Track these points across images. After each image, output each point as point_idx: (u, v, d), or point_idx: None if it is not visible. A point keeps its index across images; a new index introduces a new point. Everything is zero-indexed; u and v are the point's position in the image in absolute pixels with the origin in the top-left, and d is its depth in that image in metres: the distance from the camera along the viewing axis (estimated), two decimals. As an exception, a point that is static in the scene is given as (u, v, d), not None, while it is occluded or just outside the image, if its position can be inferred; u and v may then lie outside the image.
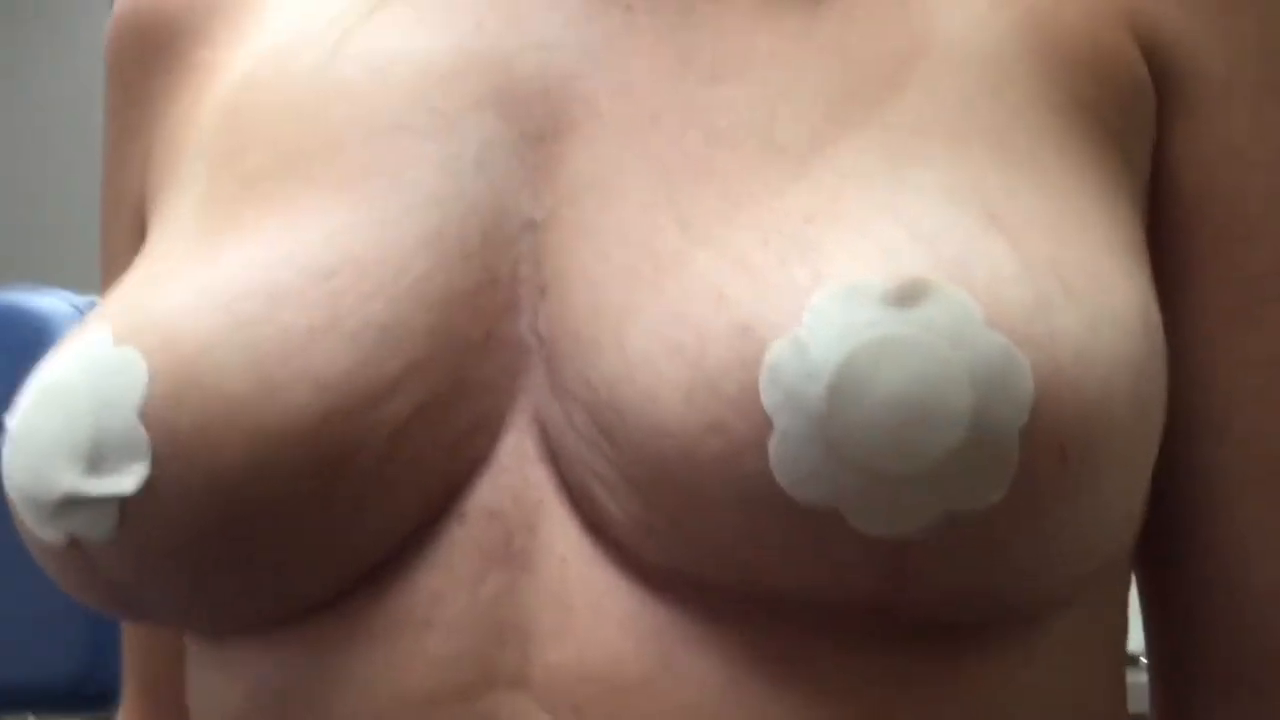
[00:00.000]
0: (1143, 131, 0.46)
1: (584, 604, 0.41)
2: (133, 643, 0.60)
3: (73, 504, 0.41)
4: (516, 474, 0.42)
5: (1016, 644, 0.42)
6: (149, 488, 0.40)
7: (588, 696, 0.40)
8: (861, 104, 0.43)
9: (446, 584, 0.42)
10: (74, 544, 0.42)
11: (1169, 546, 0.48)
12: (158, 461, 0.40)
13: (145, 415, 0.41)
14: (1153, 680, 0.52)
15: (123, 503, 0.41)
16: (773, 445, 0.37)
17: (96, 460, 0.41)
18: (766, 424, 0.37)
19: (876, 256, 0.38)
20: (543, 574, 0.41)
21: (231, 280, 0.42)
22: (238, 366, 0.41)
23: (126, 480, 0.40)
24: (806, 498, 0.37)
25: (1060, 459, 0.37)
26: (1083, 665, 0.46)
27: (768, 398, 0.37)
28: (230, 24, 0.53)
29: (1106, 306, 0.40)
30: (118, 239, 0.56)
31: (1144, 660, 0.52)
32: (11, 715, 0.99)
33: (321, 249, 0.43)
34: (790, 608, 0.40)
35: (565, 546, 0.42)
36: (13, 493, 0.43)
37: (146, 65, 0.55)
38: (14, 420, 0.43)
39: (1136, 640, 0.49)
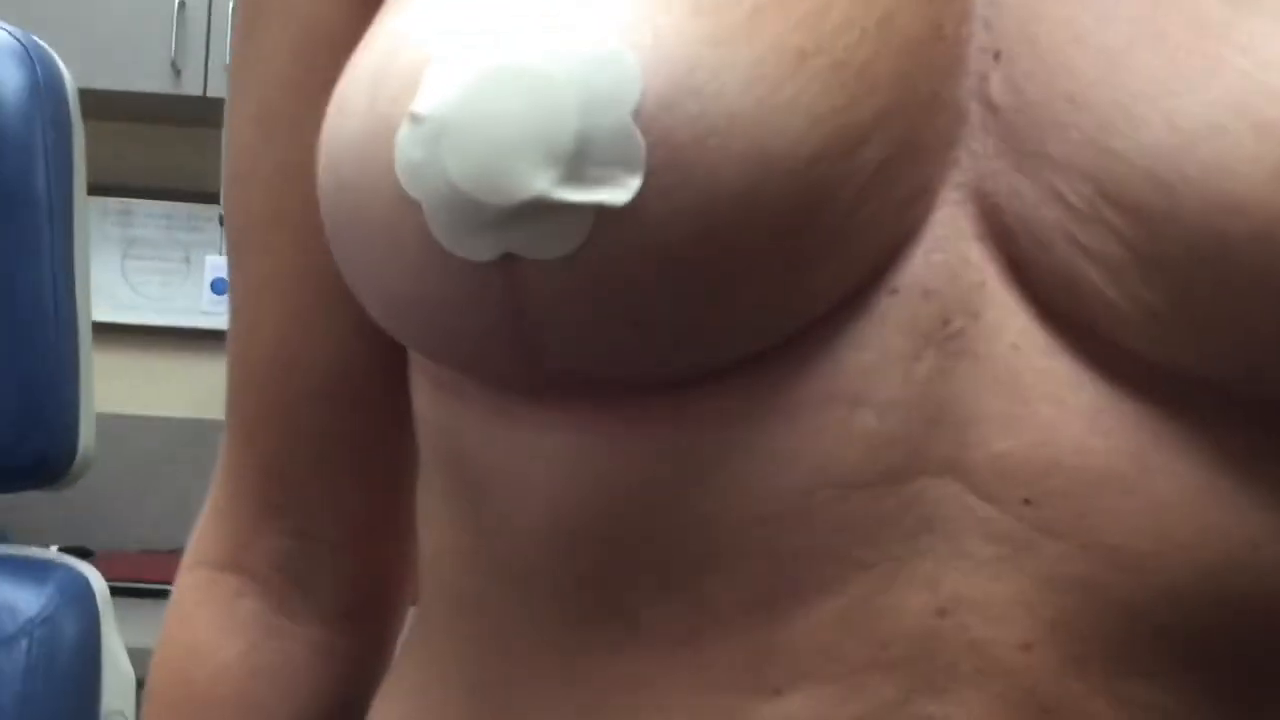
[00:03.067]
0: None
1: (1041, 394, 0.38)
2: (250, 430, 0.54)
3: (534, 212, 0.35)
4: (952, 250, 0.38)
5: None
6: (633, 203, 0.35)
7: (1043, 490, 0.37)
8: None
9: (878, 361, 0.38)
10: (507, 261, 0.36)
11: None
12: (650, 174, 0.35)
13: (641, 119, 0.35)
14: None
15: (599, 215, 0.35)
16: None
17: (579, 164, 0.35)
18: None
19: None
20: (987, 359, 0.38)
21: None
22: (736, 82, 0.35)
23: (612, 192, 0.35)
24: None
25: None
26: None
27: None
28: None
29: None
30: None
31: None
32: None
33: None
34: (1271, 408, 0.37)
35: (1016, 332, 0.38)
36: (435, 191, 0.36)
37: None
38: (443, 105, 0.36)
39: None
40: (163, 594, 2.09)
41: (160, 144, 2.42)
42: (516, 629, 0.42)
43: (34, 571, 0.87)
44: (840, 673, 0.38)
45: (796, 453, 0.38)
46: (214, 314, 2.33)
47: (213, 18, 2.17)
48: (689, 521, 0.38)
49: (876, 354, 0.38)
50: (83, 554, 2.23)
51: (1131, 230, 0.36)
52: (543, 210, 0.35)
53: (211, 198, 2.30)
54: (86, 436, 0.89)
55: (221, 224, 2.32)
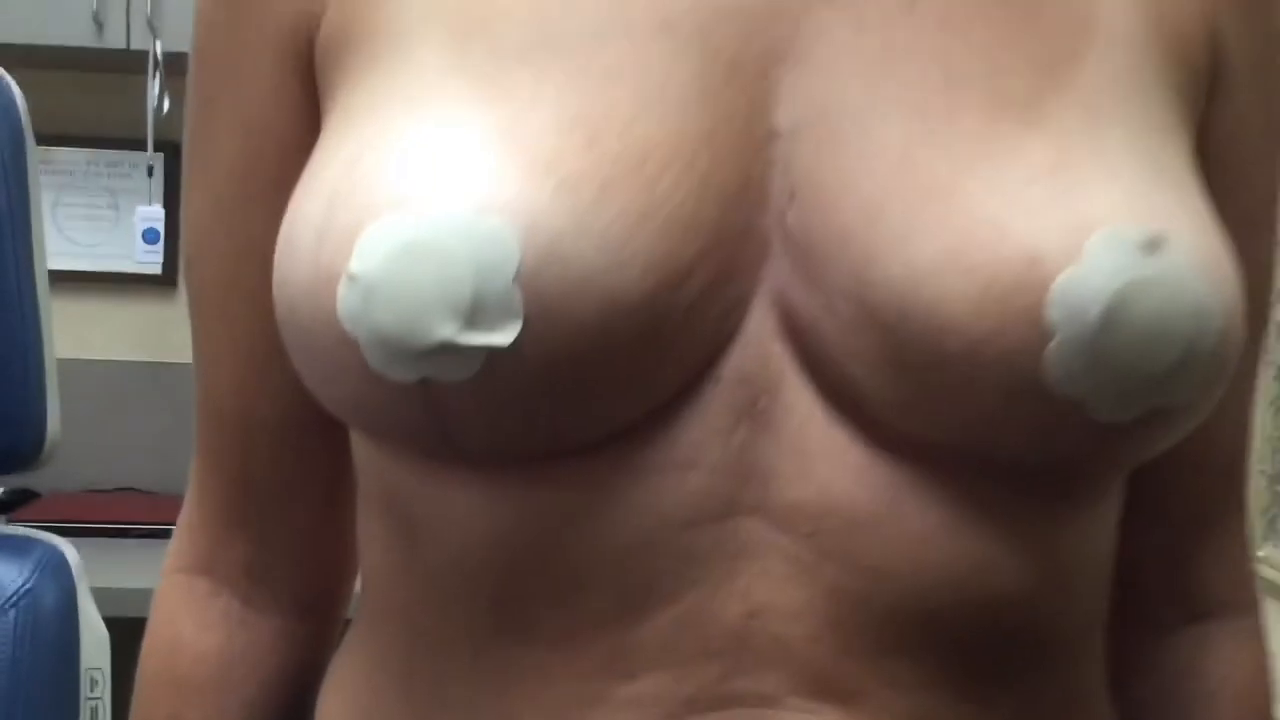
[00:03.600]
0: (1199, 103, 0.57)
1: (821, 455, 0.50)
2: (219, 463, 0.64)
3: (443, 352, 0.46)
4: (760, 347, 0.50)
5: (1116, 491, 0.56)
6: (516, 342, 0.46)
7: (823, 526, 0.50)
8: (1056, 67, 0.51)
9: (704, 434, 0.50)
10: (425, 384, 0.47)
11: None
12: (526, 321, 0.46)
13: (520, 282, 0.46)
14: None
15: (489, 354, 0.46)
16: (1049, 351, 0.47)
17: (475, 316, 0.46)
18: (1047, 334, 0.47)
19: (1118, 205, 0.48)
20: (784, 430, 0.50)
21: (561, 161, 0.47)
22: (590, 245, 0.46)
23: (500, 335, 0.46)
24: (1063, 392, 0.47)
25: (1222, 369, 0.50)
26: (1114, 518, 0.58)
27: (1050, 314, 0.47)
28: None
29: (1224, 241, 0.52)
30: (244, 50, 0.58)
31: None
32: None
33: (623, 138, 0.48)
34: (992, 469, 0.50)
35: (804, 409, 0.50)
36: (370, 334, 0.47)
37: None
38: (364, 271, 0.47)
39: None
40: (105, 532, 2.17)
41: (83, 91, 2.47)
42: (437, 630, 0.54)
43: (16, 548, 0.97)
44: (677, 661, 0.50)
45: (644, 504, 0.50)
46: (146, 262, 2.40)
47: (132, -29, 2.22)
48: (567, 554, 0.51)
49: (703, 429, 0.50)
50: (28, 495, 2.32)
51: (882, 341, 0.48)
52: (450, 349, 0.46)
53: (137, 144, 2.35)
54: (54, 426, 0.99)
55: (150, 175, 2.38)
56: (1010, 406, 0.48)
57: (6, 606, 0.93)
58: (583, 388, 0.48)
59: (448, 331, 0.46)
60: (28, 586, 0.94)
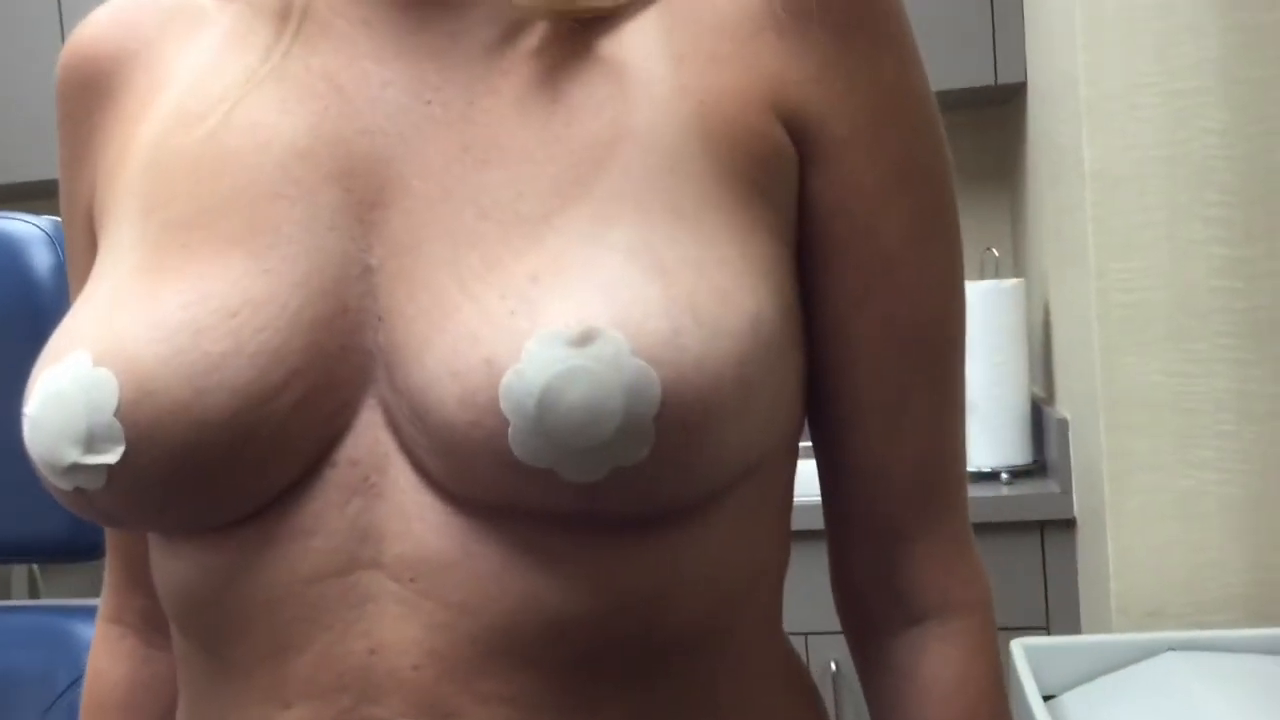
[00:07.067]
0: (786, 181, 0.64)
1: (417, 516, 0.60)
2: (114, 538, 0.83)
3: (76, 469, 0.60)
4: (369, 437, 0.61)
5: (695, 521, 0.62)
6: (124, 460, 0.59)
7: (421, 573, 0.60)
8: (578, 181, 0.60)
9: (323, 506, 0.61)
10: (78, 490, 0.61)
11: (837, 445, 0.71)
12: (129, 443, 0.59)
13: (120, 415, 0.59)
14: (826, 525, 0.74)
15: (109, 468, 0.59)
16: (510, 434, 0.56)
17: (90, 443, 0.59)
18: (505, 421, 0.56)
19: (572, 308, 0.56)
20: (390, 499, 0.61)
21: (168, 317, 0.60)
22: (178, 381, 0.58)
23: (110, 456, 0.59)
24: (533, 463, 0.56)
25: (683, 428, 0.56)
26: (752, 525, 0.65)
27: (503, 406, 0.56)
28: (147, 77, 0.70)
29: (724, 321, 0.58)
30: (73, 233, 0.75)
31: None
32: (17, 563, 1.21)
33: (227, 292, 0.60)
34: (533, 517, 0.59)
35: (404, 482, 0.61)
36: (35, 460, 0.61)
37: (88, 102, 0.71)
38: (30, 412, 0.61)
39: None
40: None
41: None
42: (184, 660, 0.68)
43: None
44: (319, 693, 0.62)
45: (278, 565, 0.62)
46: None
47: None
48: (231, 604, 0.63)
49: (322, 503, 0.61)
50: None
51: (420, 430, 0.59)
52: (80, 467, 0.60)
53: None
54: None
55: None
56: (504, 476, 0.57)
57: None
58: (195, 485, 0.60)
59: (74, 456, 0.60)
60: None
